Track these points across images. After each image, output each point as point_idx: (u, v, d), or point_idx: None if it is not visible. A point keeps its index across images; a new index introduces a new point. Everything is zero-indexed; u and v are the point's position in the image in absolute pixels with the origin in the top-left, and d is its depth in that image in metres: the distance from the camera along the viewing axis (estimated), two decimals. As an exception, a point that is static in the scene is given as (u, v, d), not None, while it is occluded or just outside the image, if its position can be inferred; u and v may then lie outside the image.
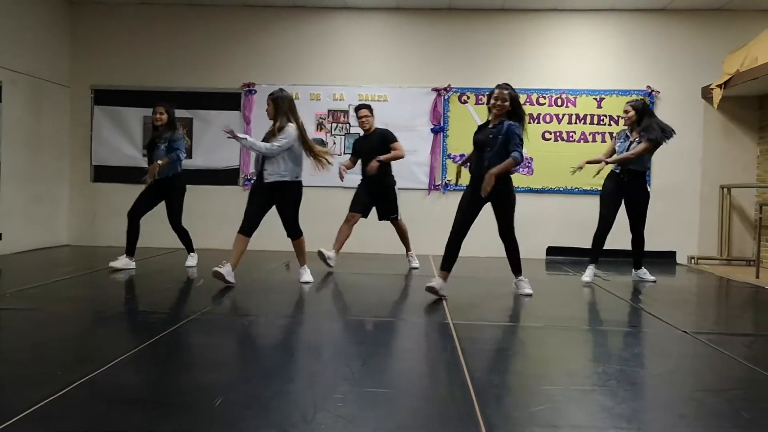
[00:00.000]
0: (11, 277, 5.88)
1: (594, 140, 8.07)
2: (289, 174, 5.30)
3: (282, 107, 5.30)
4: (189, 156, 8.32)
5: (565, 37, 8.22)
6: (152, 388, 2.80)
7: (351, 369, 3.09)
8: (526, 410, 2.57)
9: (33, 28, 7.76)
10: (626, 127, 6.04)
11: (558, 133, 8.19)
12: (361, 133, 6.62)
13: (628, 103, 6.01)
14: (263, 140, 5.35)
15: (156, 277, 6.00)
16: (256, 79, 8.24)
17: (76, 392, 2.65)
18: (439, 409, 2.60)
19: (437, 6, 8.17)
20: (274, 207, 5.43)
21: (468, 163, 5.26)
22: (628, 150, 5.85)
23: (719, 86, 7.57)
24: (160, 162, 6.02)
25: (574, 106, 8.18)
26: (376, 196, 6.42)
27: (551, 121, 8.19)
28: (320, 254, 6.34)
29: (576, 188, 8.00)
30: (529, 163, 8.18)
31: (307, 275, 5.64)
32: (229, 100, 8.33)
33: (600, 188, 6.15)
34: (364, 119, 6.42)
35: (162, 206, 6.24)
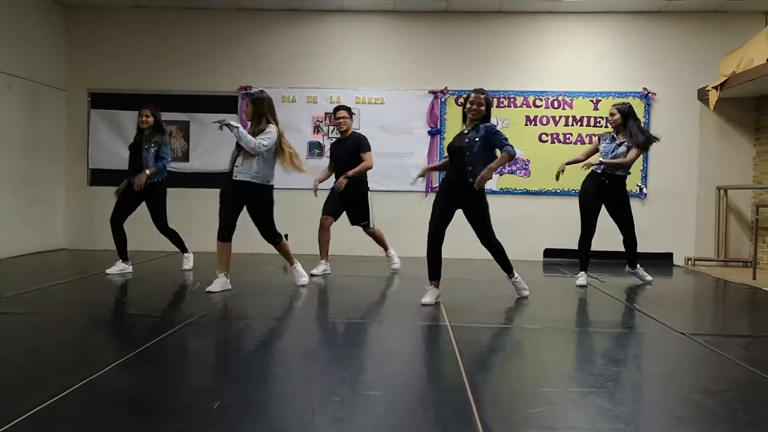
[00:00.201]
0: (8, 281, 5.86)
1: (591, 142, 8.05)
2: (260, 177, 5.17)
3: (262, 109, 5.21)
4: (186, 159, 8.34)
5: (562, 39, 8.24)
6: (149, 392, 2.79)
7: (348, 371, 3.09)
8: (524, 412, 2.57)
9: (29, 32, 7.75)
10: (611, 131, 5.97)
11: (555, 135, 8.20)
12: (337, 136, 6.50)
13: (614, 106, 5.95)
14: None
15: (152, 281, 5.99)
16: (252, 82, 8.24)
17: (73, 396, 2.64)
18: (436, 411, 2.60)
19: (434, 9, 8.18)
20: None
21: (440, 171, 5.14)
22: (614, 152, 5.78)
23: (715, 88, 7.59)
24: (148, 171, 5.98)
25: (571, 108, 8.19)
26: (348, 202, 6.27)
27: (548, 123, 8.20)
28: (312, 276, 6.20)
29: (573, 190, 7.97)
30: (526, 165, 8.19)
31: (301, 275, 5.60)
32: (226, 103, 8.32)
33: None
34: (342, 120, 6.28)
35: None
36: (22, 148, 7.64)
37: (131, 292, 5.51)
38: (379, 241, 6.58)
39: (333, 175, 6.38)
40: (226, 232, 5.22)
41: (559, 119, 8.20)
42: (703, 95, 7.93)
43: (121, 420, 2.44)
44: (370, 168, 6.29)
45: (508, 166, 8.16)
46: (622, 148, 5.75)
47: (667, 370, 3.33)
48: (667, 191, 8.10)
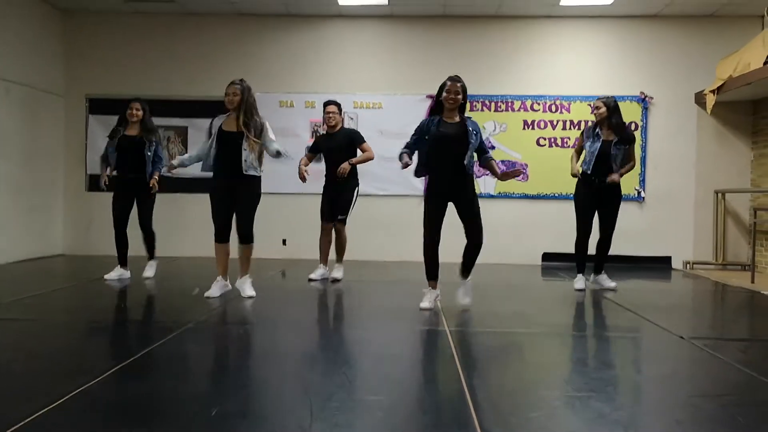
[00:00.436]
0: (6, 287, 5.85)
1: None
2: (258, 170, 5.18)
3: (250, 101, 5.15)
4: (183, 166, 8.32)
5: (560, 43, 8.26)
6: (148, 398, 2.79)
7: (347, 377, 3.08)
8: (523, 416, 2.57)
9: (26, 38, 7.76)
10: (589, 126, 5.89)
11: (553, 139, 8.21)
12: (325, 130, 6.37)
13: (599, 99, 5.81)
14: (214, 129, 5.20)
15: (151, 286, 5.98)
16: (251, 86, 8.22)
17: (71, 403, 2.63)
18: (435, 416, 2.60)
19: (431, 13, 8.20)
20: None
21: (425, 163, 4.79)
22: (599, 150, 5.67)
23: (712, 92, 7.60)
24: (156, 177, 6.07)
25: (569, 112, 8.21)
26: (336, 193, 6.08)
27: (545, 127, 8.22)
28: (311, 281, 6.19)
29: (571, 194, 8.01)
30: (524, 169, 8.20)
31: (248, 287, 5.26)
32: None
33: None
34: (331, 115, 6.18)
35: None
36: (20, 154, 7.63)
37: (129, 298, 5.50)
38: (341, 247, 6.31)
39: (325, 177, 6.21)
40: (222, 233, 5.21)
41: (557, 123, 8.21)
42: (700, 99, 7.95)
43: (119, 427, 2.44)
44: (372, 158, 6.21)
45: (507, 170, 8.18)
46: (615, 150, 5.70)
47: (665, 373, 3.34)
48: (665, 195, 8.11)
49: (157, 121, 7.69)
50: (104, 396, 2.79)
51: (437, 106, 4.79)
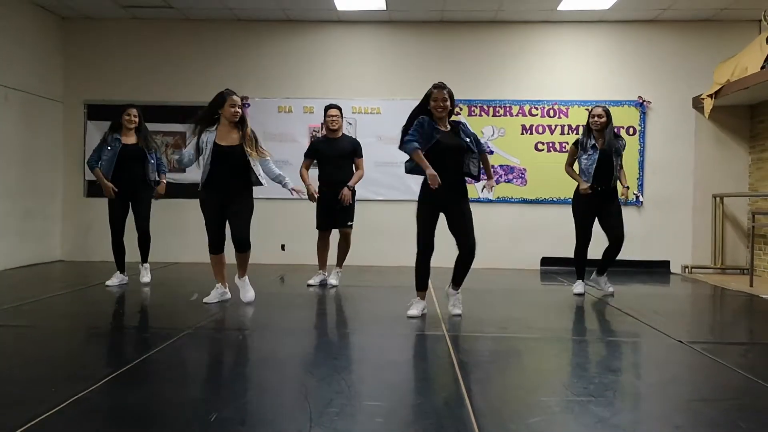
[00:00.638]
0: (4, 293, 5.84)
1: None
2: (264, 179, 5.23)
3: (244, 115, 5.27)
4: (182, 170, 8.31)
5: (557, 48, 8.28)
6: (146, 404, 2.78)
7: (346, 382, 3.08)
8: (523, 422, 2.56)
9: (25, 43, 7.76)
10: (582, 139, 5.85)
11: (551, 144, 8.22)
12: (324, 134, 6.32)
13: (600, 107, 5.81)
14: (205, 144, 5.16)
15: (149, 292, 5.98)
16: (249, 92, 8.24)
17: (70, 409, 2.62)
18: (435, 421, 2.59)
19: (430, 19, 8.22)
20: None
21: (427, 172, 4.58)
22: (597, 162, 5.68)
23: (710, 96, 7.63)
24: (164, 182, 6.22)
25: (567, 116, 8.22)
26: (333, 202, 6.01)
27: (544, 131, 8.23)
28: (309, 287, 6.19)
29: (570, 198, 8.03)
30: (522, 173, 8.21)
31: (248, 288, 5.31)
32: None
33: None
34: (334, 118, 6.11)
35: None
36: (18, 160, 7.63)
37: (128, 304, 5.49)
38: (344, 252, 6.29)
39: (320, 182, 6.15)
40: (217, 245, 5.21)
41: (555, 128, 8.22)
42: (698, 103, 7.97)
43: (118, 433, 2.43)
44: (362, 176, 6.23)
45: (505, 174, 8.21)
46: (615, 158, 5.74)
47: (665, 378, 3.33)
48: (664, 199, 8.12)
49: (156, 126, 7.76)
50: (103, 402, 2.78)
51: (420, 112, 4.70)
